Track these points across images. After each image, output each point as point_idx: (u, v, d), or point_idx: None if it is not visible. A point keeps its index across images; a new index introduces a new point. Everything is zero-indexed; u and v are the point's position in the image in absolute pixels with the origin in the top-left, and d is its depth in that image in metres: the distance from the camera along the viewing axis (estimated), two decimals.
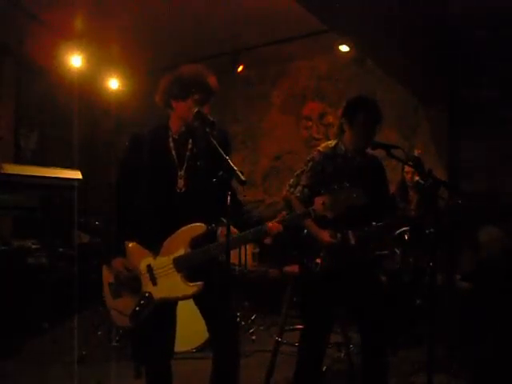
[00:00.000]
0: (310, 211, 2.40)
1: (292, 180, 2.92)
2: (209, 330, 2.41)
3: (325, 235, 2.73)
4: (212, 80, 2.33)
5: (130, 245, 2.35)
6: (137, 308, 2.25)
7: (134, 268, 2.31)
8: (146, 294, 2.28)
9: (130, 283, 2.32)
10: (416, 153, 4.69)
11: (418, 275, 4.23)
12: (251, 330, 4.62)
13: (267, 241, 2.30)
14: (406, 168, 4.46)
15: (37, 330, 4.45)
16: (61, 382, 3.53)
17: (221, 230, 2.43)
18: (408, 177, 4.50)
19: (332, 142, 2.90)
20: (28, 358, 3.93)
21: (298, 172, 2.91)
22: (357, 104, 2.79)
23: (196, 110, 2.24)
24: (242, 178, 2.04)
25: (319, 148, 2.89)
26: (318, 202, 2.39)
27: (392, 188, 4.58)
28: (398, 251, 4.15)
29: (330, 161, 2.82)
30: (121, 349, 3.98)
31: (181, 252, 2.28)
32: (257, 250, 6.03)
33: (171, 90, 2.33)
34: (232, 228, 2.23)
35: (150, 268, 2.30)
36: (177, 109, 2.34)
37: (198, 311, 2.43)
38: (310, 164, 2.85)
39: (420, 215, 3.53)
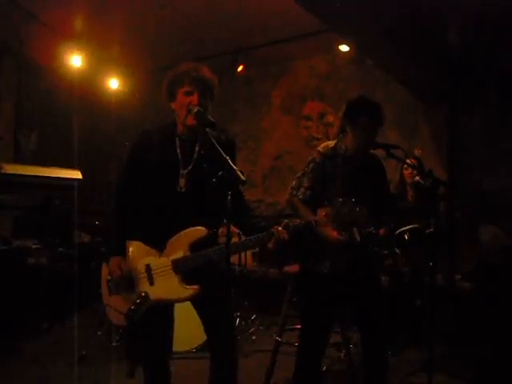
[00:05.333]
0: (311, 222, 2.39)
1: (294, 182, 2.90)
2: (206, 332, 2.40)
3: (334, 233, 2.70)
4: (198, 70, 2.30)
5: (131, 244, 2.35)
6: (132, 307, 2.26)
7: (128, 268, 2.30)
8: (143, 294, 2.28)
9: (123, 283, 2.31)
10: (416, 153, 4.69)
11: (417, 275, 4.23)
12: (251, 330, 4.62)
13: (269, 245, 2.29)
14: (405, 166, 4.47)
15: (37, 330, 4.46)
16: (61, 382, 3.53)
17: (221, 230, 2.42)
18: (407, 173, 4.49)
19: (332, 142, 2.89)
20: (28, 358, 3.93)
21: (299, 174, 2.89)
22: (359, 106, 2.76)
23: (196, 109, 2.23)
24: (242, 177, 2.03)
25: (319, 149, 2.87)
26: (321, 213, 2.38)
27: (391, 187, 4.59)
28: (398, 251, 4.15)
29: (330, 161, 2.80)
30: (121, 349, 3.97)
31: (180, 254, 2.28)
32: (257, 250, 6.03)
33: (165, 94, 2.36)
34: (232, 228, 2.22)
35: (148, 268, 2.30)
36: (175, 110, 2.35)
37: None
38: (311, 165, 2.83)
39: (419, 211, 3.51)
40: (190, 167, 2.32)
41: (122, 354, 3.85)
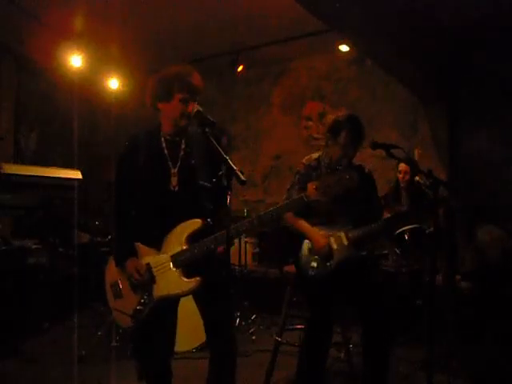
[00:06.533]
0: (302, 197, 2.41)
1: (284, 196, 3.00)
2: (206, 328, 2.41)
3: (320, 237, 2.84)
4: (195, 78, 2.34)
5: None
6: (138, 307, 2.27)
7: (144, 268, 2.31)
8: (146, 293, 2.30)
9: (142, 285, 2.32)
10: (416, 152, 4.69)
11: (417, 275, 4.23)
12: (251, 330, 4.61)
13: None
14: (400, 167, 4.46)
15: (37, 330, 4.45)
16: (61, 382, 3.53)
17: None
18: (400, 177, 4.49)
19: (315, 154, 3.04)
20: (28, 358, 3.93)
21: (289, 187, 3.03)
22: (341, 123, 2.90)
23: (196, 109, 2.26)
24: (242, 177, 2.04)
25: (303, 161, 3.03)
26: (311, 187, 2.41)
27: (386, 187, 4.59)
28: (398, 251, 4.14)
29: (314, 171, 2.96)
30: (121, 349, 3.97)
31: (178, 248, 2.30)
32: (257, 250, 6.03)
33: (156, 92, 2.36)
34: None
35: (148, 266, 2.32)
36: (163, 110, 2.38)
37: (197, 312, 2.42)
38: (297, 177, 2.98)
39: (410, 212, 3.48)
40: (177, 165, 2.36)
41: (122, 354, 3.86)
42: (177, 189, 2.34)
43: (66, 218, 5.02)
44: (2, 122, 6.11)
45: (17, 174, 4.54)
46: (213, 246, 2.27)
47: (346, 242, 2.85)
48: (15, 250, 4.68)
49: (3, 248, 4.61)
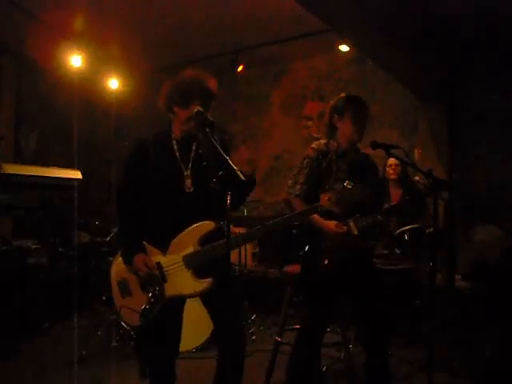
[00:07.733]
0: (316, 206, 2.43)
1: (290, 181, 2.95)
2: (215, 328, 2.42)
3: (332, 225, 2.74)
4: (212, 84, 2.36)
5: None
6: (147, 306, 2.28)
7: (153, 264, 2.32)
8: (157, 292, 2.30)
9: (150, 280, 2.32)
10: (416, 152, 4.67)
11: (417, 275, 4.23)
12: (251, 330, 4.61)
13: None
14: (389, 161, 4.36)
15: (37, 330, 4.45)
16: (61, 382, 3.53)
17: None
18: (390, 172, 4.36)
19: (324, 141, 2.96)
20: (28, 358, 3.93)
21: (295, 172, 2.95)
22: (346, 99, 2.89)
23: (196, 109, 2.25)
24: (242, 177, 2.05)
25: (312, 146, 2.95)
26: (324, 197, 2.43)
27: None
28: (398, 251, 4.14)
29: (324, 156, 2.88)
30: (121, 349, 3.97)
31: (190, 249, 2.31)
32: (257, 250, 6.03)
33: (172, 96, 2.36)
34: (232, 228, 2.24)
35: (159, 266, 2.33)
36: (179, 114, 2.37)
37: (198, 312, 2.43)
38: (306, 161, 2.90)
39: (405, 203, 3.40)
40: (189, 167, 2.37)
41: (122, 354, 3.86)
42: (191, 190, 2.35)
43: (66, 217, 5.02)
44: (2, 121, 6.11)
45: (17, 174, 4.54)
46: (225, 250, 2.27)
47: (355, 232, 2.77)
48: (15, 250, 4.68)
49: (3, 248, 4.61)
